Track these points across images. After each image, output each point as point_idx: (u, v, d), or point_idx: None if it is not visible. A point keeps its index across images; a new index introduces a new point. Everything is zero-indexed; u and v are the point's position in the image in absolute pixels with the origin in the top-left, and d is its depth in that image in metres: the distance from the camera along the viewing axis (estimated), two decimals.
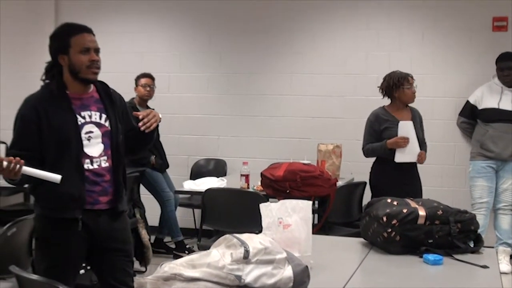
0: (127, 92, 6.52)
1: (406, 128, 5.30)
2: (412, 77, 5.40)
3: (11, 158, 2.86)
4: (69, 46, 3.31)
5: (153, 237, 6.48)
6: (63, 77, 3.29)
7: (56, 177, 2.98)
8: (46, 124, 3.16)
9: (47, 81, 3.32)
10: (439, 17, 6.91)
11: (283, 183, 5.09)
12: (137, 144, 3.48)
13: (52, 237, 3.18)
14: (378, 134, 5.35)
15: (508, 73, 6.24)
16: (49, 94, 3.24)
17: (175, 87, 7.61)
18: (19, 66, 7.98)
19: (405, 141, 5.24)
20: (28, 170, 2.95)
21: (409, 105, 5.51)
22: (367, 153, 5.45)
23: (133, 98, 6.52)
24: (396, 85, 5.36)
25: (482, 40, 6.79)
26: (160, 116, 3.31)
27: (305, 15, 7.25)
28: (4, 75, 7.95)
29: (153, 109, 3.42)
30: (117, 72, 7.21)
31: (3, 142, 7.74)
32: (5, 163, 2.85)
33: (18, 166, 2.88)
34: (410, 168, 5.42)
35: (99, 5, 7.77)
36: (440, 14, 6.90)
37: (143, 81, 6.60)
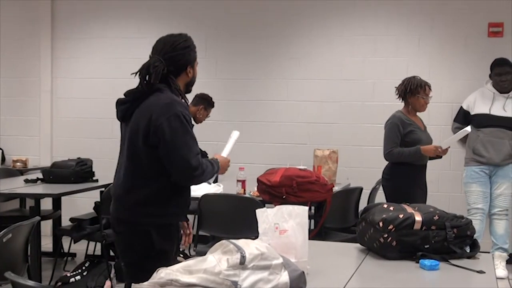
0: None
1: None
2: (430, 87, 5.42)
3: None
4: (195, 59, 3.42)
5: None
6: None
7: (237, 133, 3.68)
8: None
9: (160, 84, 3.24)
10: (435, 23, 6.93)
11: (280, 189, 5.08)
12: None
13: (168, 249, 3.22)
14: (401, 137, 5.36)
15: (506, 78, 6.25)
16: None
17: None
18: (15, 70, 7.99)
19: (443, 150, 5.32)
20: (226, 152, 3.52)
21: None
22: (394, 156, 5.36)
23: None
24: (412, 92, 5.38)
25: (478, 45, 6.82)
26: None
27: (302, 21, 7.27)
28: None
29: None
30: (113, 78, 7.23)
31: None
32: None
33: None
34: (423, 169, 5.50)
35: (95, 10, 7.77)
36: (436, 20, 6.93)
37: (210, 111, 6.76)
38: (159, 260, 3.04)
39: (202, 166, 3.16)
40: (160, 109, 3.12)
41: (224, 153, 3.50)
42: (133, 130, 3.19)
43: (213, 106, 6.81)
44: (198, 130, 7.29)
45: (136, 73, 3.25)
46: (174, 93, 3.24)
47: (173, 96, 3.21)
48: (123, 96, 3.31)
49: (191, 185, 3.26)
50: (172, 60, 3.25)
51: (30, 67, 7.96)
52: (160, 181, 3.15)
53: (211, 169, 3.26)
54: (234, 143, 3.62)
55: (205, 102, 6.79)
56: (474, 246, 3.19)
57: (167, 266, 2.99)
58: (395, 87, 5.50)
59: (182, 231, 3.41)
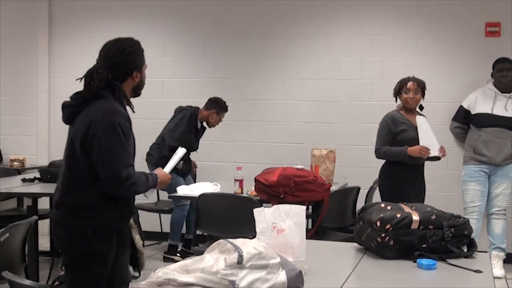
0: None
1: (422, 122, 5.41)
2: (414, 82, 5.42)
3: None
4: (143, 63, 3.40)
5: (146, 242, 6.47)
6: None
7: (183, 150, 3.54)
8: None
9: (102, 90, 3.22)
10: (433, 23, 6.93)
11: (277, 188, 5.08)
12: None
13: (106, 250, 3.23)
14: (393, 136, 5.37)
15: (506, 74, 6.26)
16: (125, 109, 3.29)
17: (169, 92, 7.61)
18: (12, 70, 7.98)
19: (427, 151, 5.28)
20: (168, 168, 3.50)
21: (421, 113, 5.55)
22: (382, 155, 5.41)
23: (196, 110, 6.78)
24: (399, 90, 5.43)
25: (475, 45, 6.82)
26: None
27: (299, 20, 7.27)
28: None
29: None
30: None
31: None
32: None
33: None
34: (419, 169, 5.49)
35: (92, 10, 7.77)
36: (434, 20, 6.93)
37: (223, 115, 6.84)
38: (96, 261, 3.18)
39: (133, 178, 3.15)
40: (99, 117, 3.13)
41: (167, 169, 3.48)
42: (73, 135, 3.23)
43: (226, 110, 6.84)
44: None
45: (81, 78, 3.24)
46: (118, 100, 3.24)
47: (114, 105, 3.20)
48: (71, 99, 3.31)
49: (121, 195, 3.22)
50: (117, 66, 3.24)
51: (27, 67, 7.95)
52: (96, 186, 3.14)
53: (144, 182, 3.25)
54: (178, 160, 3.60)
55: (218, 106, 6.80)
56: (471, 245, 3.19)
57: (104, 267, 3.19)
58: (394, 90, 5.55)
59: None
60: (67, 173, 3.24)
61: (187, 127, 6.68)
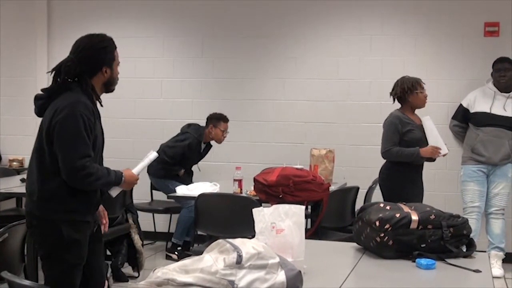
0: (117, 98, 6.48)
1: (429, 122, 5.42)
2: (422, 81, 5.45)
3: None
4: (114, 60, 3.44)
5: (145, 242, 6.47)
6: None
7: (155, 154, 3.56)
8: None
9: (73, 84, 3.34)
10: (431, 23, 6.94)
11: (276, 188, 5.09)
12: None
13: (79, 239, 3.30)
14: (400, 136, 5.35)
15: (504, 74, 6.27)
16: (91, 103, 3.34)
17: (168, 92, 7.61)
18: (11, 70, 7.97)
19: (438, 151, 5.32)
20: (136, 170, 3.49)
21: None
22: (393, 155, 5.35)
23: (200, 134, 6.81)
24: (411, 90, 5.38)
25: (474, 45, 6.82)
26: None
27: (298, 20, 7.26)
28: None
29: None
30: None
31: None
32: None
33: None
34: (419, 169, 5.51)
35: (91, 9, 7.77)
36: (432, 20, 6.93)
37: (223, 125, 6.85)
38: (72, 249, 3.28)
39: (88, 169, 3.19)
40: (62, 107, 3.22)
41: (135, 170, 3.49)
42: (41, 127, 3.32)
43: (224, 120, 6.84)
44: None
45: (51, 71, 3.37)
46: (85, 93, 3.31)
47: (80, 97, 3.27)
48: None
49: (78, 186, 3.25)
50: (86, 60, 3.33)
51: (26, 67, 7.94)
52: (60, 177, 3.22)
53: (104, 175, 3.29)
54: (149, 162, 3.60)
55: (212, 120, 6.84)
56: (470, 245, 3.19)
57: (79, 256, 3.30)
58: (390, 93, 5.51)
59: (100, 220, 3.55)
60: (36, 166, 3.30)
61: (188, 152, 6.77)
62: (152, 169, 6.65)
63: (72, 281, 3.31)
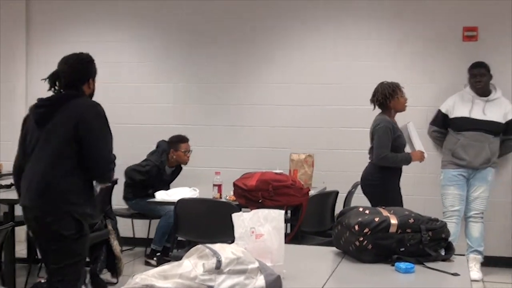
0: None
1: (413, 127, 5.66)
2: (401, 85, 5.55)
3: None
4: (96, 74, 3.79)
5: (124, 248, 6.44)
6: None
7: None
8: None
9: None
10: (411, 27, 6.98)
11: (256, 193, 5.09)
12: None
13: (87, 232, 3.67)
14: (392, 141, 5.42)
15: (480, 79, 6.31)
16: None
17: (148, 97, 7.58)
18: None
19: (424, 156, 5.60)
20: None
21: None
22: (389, 161, 5.43)
23: (162, 161, 6.82)
24: (392, 95, 5.44)
25: (453, 50, 6.87)
26: None
27: (281, 25, 7.28)
28: None
29: None
30: None
31: None
32: None
33: None
34: (400, 173, 5.62)
35: (72, 12, 7.70)
36: (411, 24, 6.97)
37: (184, 146, 6.86)
38: (83, 242, 3.61)
39: (114, 162, 3.71)
40: (85, 109, 3.58)
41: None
42: (56, 129, 3.56)
43: (182, 141, 6.89)
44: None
45: (46, 79, 3.67)
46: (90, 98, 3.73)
47: (92, 100, 3.68)
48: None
49: (107, 178, 3.70)
50: (77, 71, 3.66)
51: (4, 71, 7.87)
52: (77, 174, 3.54)
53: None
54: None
55: (171, 144, 6.90)
56: (449, 248, 3.21)
57: (87, 247, 3.68)
58: (370, 100, 5.55)
59: None
60: (49, 163, 3.54)
61: (149, 179, 6.78)
62: (124, 193, 6.83)
63: (80, 272, 3.59)
